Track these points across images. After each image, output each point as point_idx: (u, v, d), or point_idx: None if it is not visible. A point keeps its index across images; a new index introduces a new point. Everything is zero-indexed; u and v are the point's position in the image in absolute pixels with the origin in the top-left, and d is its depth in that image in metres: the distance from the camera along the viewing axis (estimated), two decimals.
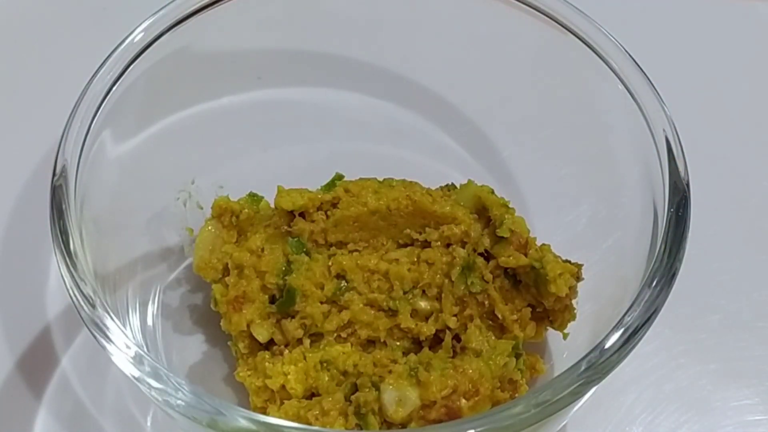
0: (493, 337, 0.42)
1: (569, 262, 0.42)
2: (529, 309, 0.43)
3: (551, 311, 0.42)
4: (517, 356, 0.41)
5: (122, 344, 0.34)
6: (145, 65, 0.41)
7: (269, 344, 0.42)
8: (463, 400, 0.38)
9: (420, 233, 0.44)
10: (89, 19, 0.56)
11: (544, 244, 0.43)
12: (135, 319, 0.42)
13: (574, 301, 0.43)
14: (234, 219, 0.44)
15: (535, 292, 0.42)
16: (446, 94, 0.48)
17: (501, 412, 0.33)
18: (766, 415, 0.45)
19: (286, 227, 0.44)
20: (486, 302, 0.42)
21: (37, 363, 0.45)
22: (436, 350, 0.42)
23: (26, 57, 0.55)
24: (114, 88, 0.40)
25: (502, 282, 0.43)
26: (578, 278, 0.42)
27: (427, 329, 0.42)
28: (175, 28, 0.42)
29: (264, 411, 0.41)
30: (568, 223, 0.46)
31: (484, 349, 0.41)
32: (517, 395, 0.41)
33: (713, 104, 0.54)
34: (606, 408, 0.45)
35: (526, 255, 0.42)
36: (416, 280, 0.43)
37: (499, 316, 0.42)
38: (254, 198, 0.45)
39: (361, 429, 0.39)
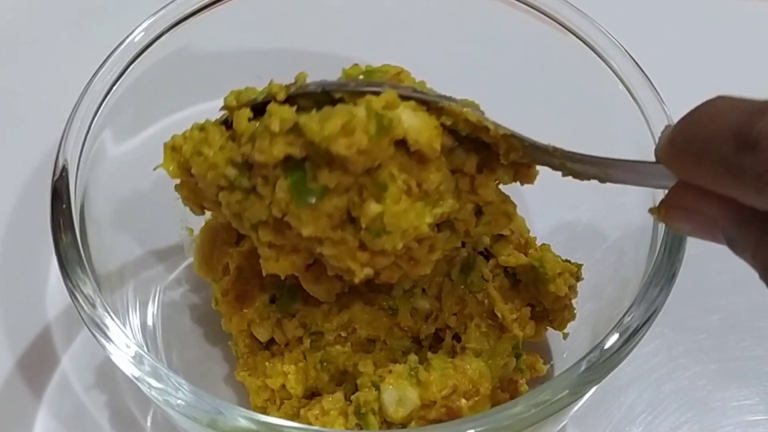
0: (494, 337, 0.42)
1: (569, 262, 0.42)
2: (529, 308, 0.43)
3: (551, 311, 0.42)
4: (517, 356, 0.41)
5: (122, 344, 0.34)
6: (145, 65, 0.41)
7: (269, 344, 0.42)
8: (463, 400, 0.38)
9: None
10: (89, 19, 0.57)
11: (544, 244, 0.43)
12: (135, 319, 0.42)
13: (574, 301, 0.43)
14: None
15: (535, 291, 0.42)
16: (446, 94, 0.48)
17: (501, 412, 0.33)
18: (766, 415, 0.45)
19: None
20: (486, 301, 0.42)
21: (37, 363, 0.45)
22: (436, 350, 0.42)
23: (27, 57, 0.55)
24: (114, 88, 0.40)
25: (501, 281, 0.43)
26: (578, 278, 0.42)
27: (427, 328, 0.42)
28: (175, 28, 0.42)
29: (264, 411, 0.41)
30: (568, 223, 0.46)
31: (484, 349, 0.41)
32: (517, 395, 0.41)
33: None
34: (606, 408, 0.45)
35: (526, 255, 0.42)
36: (416, 279, 0.43)
37: (499, 315, 0.42)
38: None
39: (361, 429, 0.39)
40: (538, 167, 0.38)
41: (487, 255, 0.43)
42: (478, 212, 0.39)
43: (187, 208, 0.46)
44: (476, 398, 0.39)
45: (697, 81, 0.54)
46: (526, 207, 0.45)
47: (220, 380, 0.44)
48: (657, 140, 0.32)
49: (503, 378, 0.40)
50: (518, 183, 0.38)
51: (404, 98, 0.36)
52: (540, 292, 0.42)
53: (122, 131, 0.42)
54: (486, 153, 0.37)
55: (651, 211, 0.35)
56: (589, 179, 0.35)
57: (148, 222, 0.45)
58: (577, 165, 0.35)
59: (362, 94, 0.35)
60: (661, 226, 0.38)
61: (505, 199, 0.39)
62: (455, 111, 0.36)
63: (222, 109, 0.38)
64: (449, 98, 0.37)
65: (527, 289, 0.43)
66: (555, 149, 0.36)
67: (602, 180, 0.35)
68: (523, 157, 0.37)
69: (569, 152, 0.36)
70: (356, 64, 0.38)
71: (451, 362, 0.40)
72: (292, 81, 0.37)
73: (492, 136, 0.36)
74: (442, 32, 0.47)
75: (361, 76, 0.38)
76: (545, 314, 0.43)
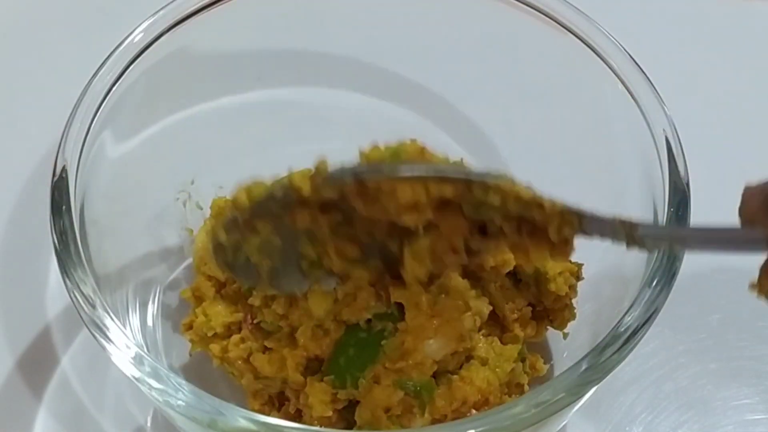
0: (498, 342, 0.41)
1: (570, 261, 0.42)
2: (530, 308, 0.42)
3: (551, 310, 0.42)
4: (523, 360, 0.41)
5: (122, 344, 0.34)
6: (145, 65, 0.41)
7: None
8: (473, 411, 0.38)
9: None
10: (89, 19, 0.56)
11: None
12: (135, 319, 0.42)
13: (574, 301, 0.43)
14: None
15: (535, 290, 0.42)
16: (446, 94, 0.48)
17: (501, 412, 0.33)
18: (766, 414, 0.45)
19: None
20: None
21: (37, 363, 0.45)
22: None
23: (27, 57, 0.55)
24: (114, 88, 0.40)
25: (503, 281, 0.43)
26: (578, 277, 0.42)
27: None
28: (175, 28, 0.42)
29: (262, 413, 0.41)
30: None
31: (490, 357, 0.40)
32: None
33: (713, 104, 0.54)
34: (606, 408, 0.45)
35: None
36: None
37: (500, 314, 0.42)
38: None
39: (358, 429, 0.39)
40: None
41: None
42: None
43: (187, 208, 0.47)
44: (486, 408, 0.38)
45: (697, 81, 0.55)
46: None
47: (220, 380, 0.44)
48: (656, 140, 0.32)
49: (510, 383, 0.40)
50: None
51: (443, 180, 0.33)
52: (540, 291, 0.42)
53: (122, 131, 0.42)
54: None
55: (751, 288, 0.32)
56: (659, 250, 0.33)
57: (148, 222, 0.45)
58: (647, 238, 0.32)
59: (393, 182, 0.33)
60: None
61: None
62: (505, 189, 0.33)
63: (233, 202, 0.37)
64: (486, 174, 0.34)
65: (528, 288, 0.42)
66: (621, 222, 0.33)
67: (677, 251, 0.32)
68: (577, 232, 0.33)
69: (637, 224, 0.32)
70: (376, 146, 0.37)
71: (458, 374, 0.39)
72: (312, 169, 0.34)
73: (547, 213, 0.33)
74: (442, 32, 0.47)
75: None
76: (545, 314, 0.43)
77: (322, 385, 0.38)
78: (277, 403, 0.41)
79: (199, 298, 0.42)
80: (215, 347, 0.41)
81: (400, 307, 0.38)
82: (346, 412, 0.39)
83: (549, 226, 0.33)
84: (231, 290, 0.41)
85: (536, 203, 0.33)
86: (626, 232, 0.32)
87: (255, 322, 0.40)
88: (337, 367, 0.38)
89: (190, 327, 0.42)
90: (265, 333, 0.40)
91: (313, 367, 0.39)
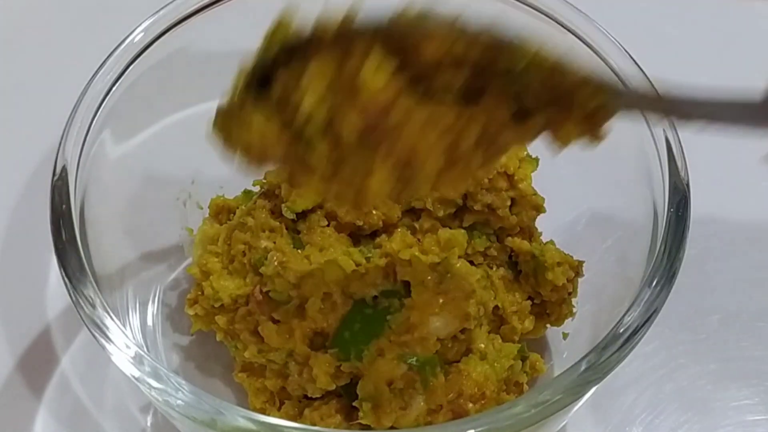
0: (499, 339, 0.41)
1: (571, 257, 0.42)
2: (529, 302, 0.42)
3: (548, 303, 0.42)
4: (523, 359, 0.41)
5: (122, 344, 0.34)
6: (145, 65, 0.41)
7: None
8: (470, 404, 0.38)
9: None
10: (89, 19, 0.56)
11: (550, 241, 0.43)
12: (135, 319, 0.42)
13: (574, 301, 0.43)
14: (231, 216, 0.44)
15: (534, 282, 0.42)
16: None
17: (501, 412, 0.33)
18: (766, 415, 0.45)
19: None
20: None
21: (37, 363, 0.45)
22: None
23: (26, 57, 0.55)
24: (114, 88, 0.40)
25: (505, 272, 0.43)
26: (578, 273, 0.42)
27: None
28: (175, 28, 0.42)
29: (263, 412, 0.41)
30: (568, 223, 0.46)
31: (489, 351, 0.41)
32: None
33: None
34: (606, 408, 0.45)
35: (530, 242, 0.42)
36: None
37: (500, 305, 0.42)
38: (249, 195, 0.45)
39: (363, 429, 0.39)
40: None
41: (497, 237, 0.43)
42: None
43: (187, 208, 0.47)
44: (482, 401, 0.38)
45: (697, 81, 0.55)
46: None
47: (220, 380, 0.44)
48: (656, 140, 0.31)
49: (508, 380, 0.40)
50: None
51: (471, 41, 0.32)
52: (539, 281, 0.42)
53: (122, 131, 0.42)
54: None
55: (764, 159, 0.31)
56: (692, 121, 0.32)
57: (148, 222, 0.45)
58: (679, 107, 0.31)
59: None
60: (661, 226, 0.38)
61: (536, 192, 0.41)
62: (526, 52, 0.31)
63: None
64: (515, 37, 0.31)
65: (527, 280, 0.42)
66: (658, 98, 0.32)
67: (708, 125, 0.32)
68: (611, 99, 0.31)
69: (670, 98, 0.31)
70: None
71: (456, 366, 0.39)
72: None
73: (579, 78, 0.31)
74: None
75: None
76: (544, 309, 0.43)
77: (326, 356, 0.38)
78: (278, 402, 0.41)
79: (205, 273, 0.42)
80: (221, 319, 0.41)
81: (406, 286, 0.39)
82: (347, 398, 0.39)
83: (582, 90, 0.31)
84: (238, 264, 0.41)
85: (566, 68, 0.31)
86: (661, 106, 0.32)
87: (265, 291, 0.40)
88: (341, 340, 0.38)
89: (195, 302, 0.42)
90: (273, 304, 0.40)
91: (318, 343, 0.39)
